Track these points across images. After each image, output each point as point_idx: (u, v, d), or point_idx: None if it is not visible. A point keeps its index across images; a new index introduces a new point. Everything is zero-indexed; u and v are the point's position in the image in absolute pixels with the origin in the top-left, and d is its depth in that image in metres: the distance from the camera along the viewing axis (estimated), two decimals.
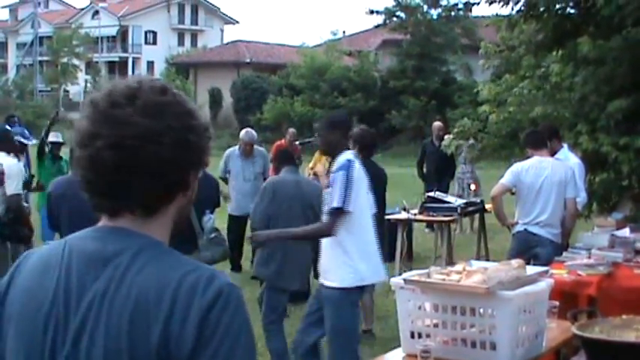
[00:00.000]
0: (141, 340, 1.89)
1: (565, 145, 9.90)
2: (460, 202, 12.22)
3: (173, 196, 2.07)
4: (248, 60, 54.52)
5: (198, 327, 1.88)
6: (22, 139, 11.83)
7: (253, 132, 13.09)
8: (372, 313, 9.45)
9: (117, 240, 2.00)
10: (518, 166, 8.95)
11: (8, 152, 9.06)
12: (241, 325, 1.93)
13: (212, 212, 7.67)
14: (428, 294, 4.80)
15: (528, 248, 8.59)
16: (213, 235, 7.54)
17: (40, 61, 74.74)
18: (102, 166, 1.95)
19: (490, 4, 12.26)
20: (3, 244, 8.79)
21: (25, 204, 9.97)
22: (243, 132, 13.10)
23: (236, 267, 12.70)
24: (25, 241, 9.09)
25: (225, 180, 12.52)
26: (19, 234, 8.73)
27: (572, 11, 11.90)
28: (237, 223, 12.46)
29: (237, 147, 12.76)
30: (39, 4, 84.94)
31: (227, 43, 67.26)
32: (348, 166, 6.43)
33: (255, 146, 12.70)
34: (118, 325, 1.90)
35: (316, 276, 9.54)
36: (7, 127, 15.12)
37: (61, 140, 13.01)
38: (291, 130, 15.41)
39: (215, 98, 53.90)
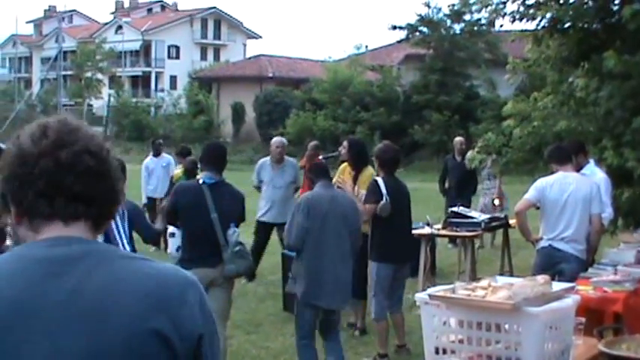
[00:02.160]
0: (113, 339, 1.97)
1: (591, 161, 9.82)
2: (484, 217, 12.17)
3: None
4: (271, 74, 54.63)
5: (194, 326, 2.09)
6: None
7: (283, 139, 13.48)
8: (404, 329, 9.39)
9: (77, 245, 2.07)
10: (542, 182, 8.88)
11: None
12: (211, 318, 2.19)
13: (237, 226, 7.68)
14: (453, 310, 4.76)
15: (553, 264, 8.51)
16: (237, 248, 7.54)
17: (64, 76, 75.17)
18: (74, 170, 2.07)
19: (513, 21, 12.24)
20: None
21: None
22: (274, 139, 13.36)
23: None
24: None
25: (259, 189, 12.65)
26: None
27: (597, 26, 11.85)
28: (264, 229, 12.73)
29: (268, 157, 12.86)
30: (63, 19, 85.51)
31: (250, 58, 67.44)
32: None
33: (286, 157, 12.82)
34: (85, 327, 1.96)
35: (355, 295, 9.55)
36: None
37: None
38: (313, 143, 15.34)
39: (238, 113, 54.02)
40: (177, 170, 13.77)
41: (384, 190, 8.78)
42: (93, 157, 2.11)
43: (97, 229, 2.16)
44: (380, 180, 8.91)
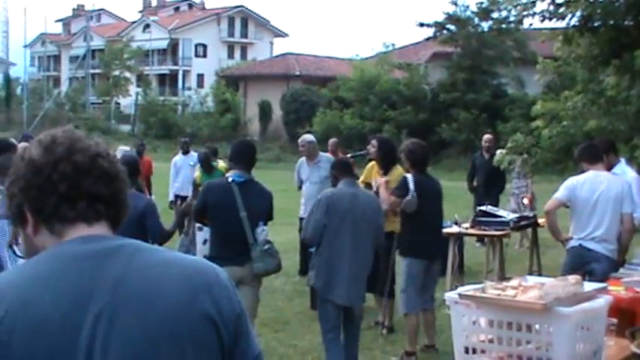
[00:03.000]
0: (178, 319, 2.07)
1: (622, 160, 9.74)
2: (512, 216, 12.09)
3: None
4: (298, 73, 54.67)
5: (231, 305, 2.22)
6: None
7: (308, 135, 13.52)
8: (434, 328, 9.34)
9: (106, 240, 2.14)
10: (572, 181, 8.81)
11: None
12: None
13: (265, 224, 7.67)
14: (483, 309, 4.74)
15: (583, 264, 8.43)
16: (266, 246, 7.54)
17: (92, 74, 75.56)
18: (94, 173, 2.15)
19: (543, 20, 12.16)
20: None
21: None
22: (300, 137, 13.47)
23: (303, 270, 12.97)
24: None
25: (300, 188, 12.73)
26: None
27: (628, 24, 11.76)
28: None
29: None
30: (91, 17, 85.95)
31: (277, 56, 67.51)
32: None
33: (321, 152, 12.81)
34: (164, 311, 2.05)
35: (382, 293, 9.48)
36: None
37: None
38: (332, 140, 15.25)
39: (265, 111, 54.08)
40: (198, 172, 13.72)
41: (411, 187, 8.75)
42: (105, 160, 2.19)
43: (114, 229, 2.23)
44: (409, 176, 8.88)
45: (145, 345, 2.01)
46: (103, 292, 2.02)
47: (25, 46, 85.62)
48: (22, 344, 1.97)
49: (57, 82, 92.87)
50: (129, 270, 2.07)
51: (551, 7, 11.86)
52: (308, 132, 16.59)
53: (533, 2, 12.24)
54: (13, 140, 11.88)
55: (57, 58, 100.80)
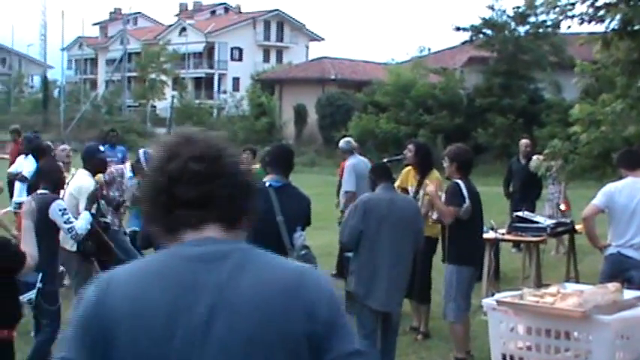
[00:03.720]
0: (271, 324, 2.14)
1: None
2: (549, 222, 12.00)
3: (243, 217, 2.34)
4: (333, 76, 54.64)
5: (327, 310, 2.29)
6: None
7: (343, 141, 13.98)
8: (469, 334, 9.25)
9: (217, 244, 2.23)
10: (611, 187, 8.72)
11: (93, 173, 9.23)
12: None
13: (303, 229, 7.65)
14: (521, 316, 4.71)
15: (621, 271, 8.33)
16: (303, 252, 7.51)
17: (129, 77, 75.98)
18: (186, 178, 2.21)
19: (582, 23, 12.07)
20: (86, 258, 8.98)
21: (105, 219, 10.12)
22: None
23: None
24: (90, 256, 9.21)
25: None
26: (92, 250, 8.86)
27: None
28: None
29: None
30: (128, 21, 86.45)
31: (312, 60, 67.51)
32: None
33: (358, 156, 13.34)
34: (249, 317, 2.12)
35: (418, 299, 9.42)
36: (106, 145, 15.48)
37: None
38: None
39: (300, 115, 54.10)
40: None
41: (465, 193, 8.69)
42: (198, 163, 2.24)
43: (231, 229, 2.29)
44: (461, 183, 8.80)
45: (239, 349, 2.09)
46: (207, 294, 2.12)
47: (63, 49, 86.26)
48: (126, 334, 2.15)
49: (94, 84, 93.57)
50: (234, 275, 2.15)
51: (591, 10, 11.76)
52: (343, 136, 16.52)
53: (572, 4, 12.14)
54: (49, 143, 11.97)
55: (94, 61, 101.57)
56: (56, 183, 8.42)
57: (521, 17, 42.90)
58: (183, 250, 2.21)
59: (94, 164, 9.37)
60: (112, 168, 11.40)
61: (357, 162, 13.29)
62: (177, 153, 2.24)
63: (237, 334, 2.09)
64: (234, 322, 2.10)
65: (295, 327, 2.14)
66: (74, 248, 8.82)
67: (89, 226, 8.52)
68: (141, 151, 11.55)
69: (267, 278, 2.17)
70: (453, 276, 8.78)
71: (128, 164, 11.60)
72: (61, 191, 8.83)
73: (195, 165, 2.21)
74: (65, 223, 7.95)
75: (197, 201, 2.21)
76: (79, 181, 9.02)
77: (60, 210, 7.90)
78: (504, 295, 4.95)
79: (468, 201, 8.67)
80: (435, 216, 9.11)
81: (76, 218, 8.54)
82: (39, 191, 8.18)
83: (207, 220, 2.24)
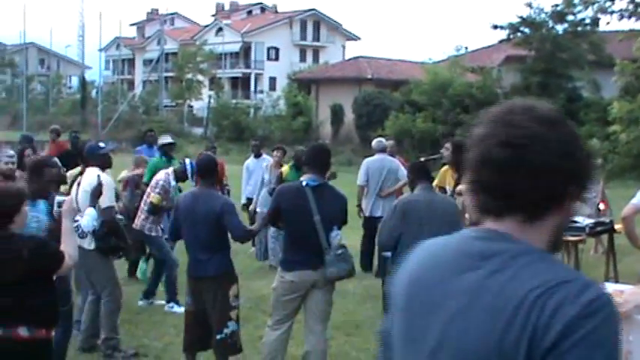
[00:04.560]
0: (495, 337, 1.98)
1: None
2: (588, 221, 11.90)
3: (550, 207, 2.14)
4: (370, 76, 54.58)
5: (559, 332, 1.90)
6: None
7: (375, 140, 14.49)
8: None
9: (496, 242, 2.12)
10: None
11: (102, 168, 9.24)
12: (604, 339, 1.91)
13: (339, 228, 7.64)
14: None
15: None
16: (340, 251, 7.51)
17: (166, 77, 76.36)
18: (490, 163, 2.11)
19: (621, 18, 11.96)
20: (105, 255, 8.98)
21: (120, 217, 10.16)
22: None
23: (368, 266, 13.64)
24: (115, 252, 9.24)
25: None
26: (109, 244, 8.88)
27: None
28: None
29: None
30: (165, 21, 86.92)
31: (349, 59, 67.47)
32: None
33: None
34: (486, 322, 2.01)
35: None
36: (144, 145, 15.53)
37: (171, 140, 13.64)
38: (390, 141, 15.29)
39: (337, 114, 54.11)
40: (287, 167, 13.84)
41: None
42: (504, 150, 2.12)
43: (532, 222, 2.13)
44: None
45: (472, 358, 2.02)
46: (461, 292, 2.10)
47: (100, 50, 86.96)
48: (401, 302, 2.28)
49: (131, 85, 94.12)
50: (490, 279, 2.06)
51: (631, 6, 11.66)
52: (379, 135, 16.53)
53: (612, 1, 12.04)
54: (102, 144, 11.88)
55: (131, 62, 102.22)
56: (58, 181, 8.48)
57: (559, 15, 42.64)
58: (463, 241, 2.22)
59: (100, 161, 9.35)
60: (160, 179, 11.33)
61: (374, 160, 13.91)
62: (486, 135, 2.17)
63: (474, 343, 2.02)
64: (473, 331, 2.04)
65: (513, 345, 1.96)
66: (92, 246, 8.83)
67: (95, 223, 8.54)
68: (187, 160, 11.62)
69: (516, 287, 2.00)
70: None
71: (171, 170, 11.64)
72: (61, 187, 8.86)
73: (500, 151, 2.10)
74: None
75: (497, 190, 2.12)
76: (93, 178, 9.02)
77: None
78: None
79: None
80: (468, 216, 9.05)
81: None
82: None
83: (505, 210, 2.14)
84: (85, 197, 8.85)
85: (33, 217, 7.12)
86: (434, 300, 2.15)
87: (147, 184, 11.77)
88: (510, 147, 2.08)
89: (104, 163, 9.38)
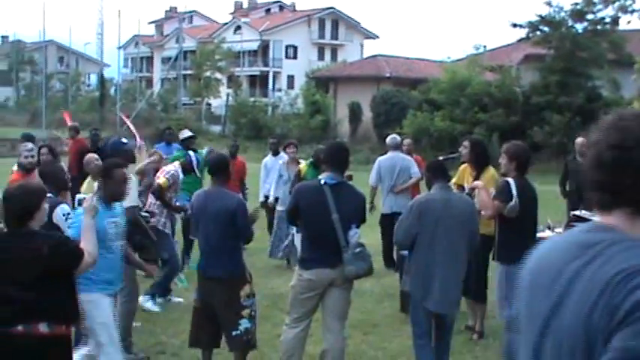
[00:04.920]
0: (584, 316, 2.24)
1: None
2: None
3: None
4: (388, 74, 54.54)
5: (627, 310, 2.15)
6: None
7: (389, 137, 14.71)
8: None
9: (599, 233, 2.38)
10: None
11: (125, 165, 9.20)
12: None
13: (358, 227, 7.62)
14: None
15: None
16: (358, 249, 7.50)
17: (184, 75, 76.49)
18: (600, 164, 2.38)
19: None
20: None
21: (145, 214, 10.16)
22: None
23: (390, 263, 13.64)
24: (139, 248, 9.25)
25: None
26: (138, 244, 8.88)
27: None
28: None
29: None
30: (184, 19, 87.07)
31: (367, 58, 67.45)
32: None
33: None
34: (579, 302, 2.27)
35: (474, 297, 9.36)
36: (162, 143, 15.58)
37: (191, 134, 13.79)
38: (407, 140, 15.35)
39: (355, 112, 54.07)
40: (304, 165, 13.86)
41: (514, 191, 8.61)
42: (613, 151, 2.38)
43: (638, 215, 2.38)
44: (511, 181, 8.72)
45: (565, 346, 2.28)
46: (565, 278, 2.36)
47: (119, 48, 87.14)
48: (524, 288, 2.61)
49: (149, 82, 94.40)
50: (587, 266, 2.31)
51: None
52: (398, 134, 16.51)
53: None
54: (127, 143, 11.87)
55: (149, 60, 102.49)
56: (59, 185, 8.45)
57: (579, 14, 42.45)
58: (572, 234, 2.51)
59: (123, 157, 9.27)
60: (171, 169, 11.44)
61: (386, 158, 14.01)
62: (599, 139, 2.41)
63: (569, 330, 2.28)
64: (567, 320, 2.30)
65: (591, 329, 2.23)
66: None
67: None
68: (191, 153, 11.65)
69: (605, 278, 2.24)
70: (502, 276, 8.69)
71: (177, 163, 11.66)
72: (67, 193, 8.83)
73: (609, 153, 2.36)
74: (69, 227, 7.98)
75: (607, 187, 2.39)
76: None
77: (64, 214, 7.94)
78: None
79: (515, 199, 8.57)
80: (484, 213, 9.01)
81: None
82: None
83: (614, 205, 2.39)
84: None
85: (111, 222, 7.11)
86: (547, 284, 2.41)
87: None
88: (618, 149, 2.35)
89: (127, 159, 9.34)
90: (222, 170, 8.25)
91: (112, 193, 7.28)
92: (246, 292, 8.02)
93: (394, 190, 13.74)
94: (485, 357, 9.23)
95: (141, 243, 8.95)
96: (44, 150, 12.42)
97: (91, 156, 11.03)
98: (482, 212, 8.97)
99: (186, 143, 13.79)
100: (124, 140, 9.98)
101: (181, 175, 11.39)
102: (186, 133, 14.17)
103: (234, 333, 7.96)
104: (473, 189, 9.58)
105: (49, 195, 7.94)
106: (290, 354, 7.90)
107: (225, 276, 7.87)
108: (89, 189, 10.34)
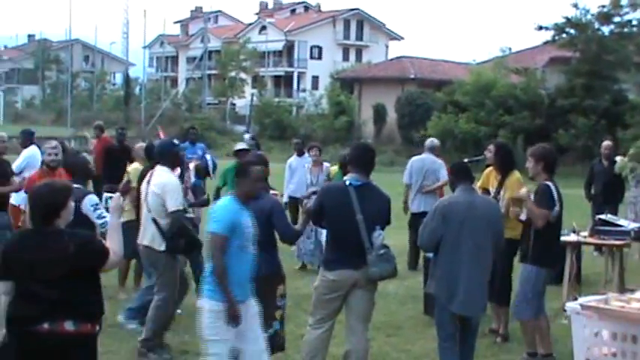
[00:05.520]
0: None
1: None
2: (633, 225, 11.76)
3: None
4: (412, 76, 54.48)
5: None
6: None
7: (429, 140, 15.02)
8: (549, 335, 9.07)
9: None
10: None
11: (172, 167, 9.15)
12: None
13: (382, 228, 7.60)
14: (606, 321, 4.61)
15: None
16: (382, 251, 7.46)
17: (209, 75, 76.69)
18: None
19: None
20: (172, 256, 8.98)
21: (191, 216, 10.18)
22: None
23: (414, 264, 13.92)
24: (186, 252, 9.26)
25: None
26: (180, 248, 8.87)
27: None
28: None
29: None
30: (209, 19, 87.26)
31: (392, 59, 67.41)
32: None
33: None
34: None
35: (498, 301, 9.33)
36: (186, 142, 15.62)
37: (245, 147, 13.60)
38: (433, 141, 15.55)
39: (379, 114, 54.08)
40: (336, 167, 13.97)
41: (556, 196, 8.58)
42: None
43: None
44: (551, 185, 8.67)
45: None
46: None
47: (144, 47, 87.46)
48: None
49: (174, 82, 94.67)
50: None
51: None
52: (422, 136, 16.59)
53: None
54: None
55: (174, 59, 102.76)
56: (86, 177, 8.48)
57: (605, 16, 42.30)
58: None
59: (170, 160, 9.21)
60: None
61: (418, 159, 14.45)
62: None
63: None
64: None
65: None
66: (162, 247, 8.83)
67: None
68: (208, 156, 11.62)
69: None
70: (531, 275, 8.63)
71: (192, 165, 11.65)
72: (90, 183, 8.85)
73: None
74: (98, 218, 7.97)
75: None
76: (161, 179, 8.86)
77: (92, 205, 7.93)
78: (588, 300, 4.85)
79: (558, 204, 8.55)
80: (523, 216, 8.95)
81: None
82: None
83: None
84: (154, 199, 8.80)
85: (247, 222, 6.95)
86: None
87: (220, 188, 11.88)
88: None
89: (175, 162, 9.29)
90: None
91: (247, 192, 7.05)
92: (280, 291, 8.03)
93: (422, 190, 13.96)
94: None
95: (185, 246, 8.92)
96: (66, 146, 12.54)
97: (141, 145, 11.16)
98: (522, 216, 8.95)
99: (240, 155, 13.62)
100: (175, 141, 9.94)
101: (193, 179, 11.35)
102: (240, 145, 13.91)
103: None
104: (499, 193, 9.54)
105: (76, 186, 8.03)
106: (313, 355, 7.89)
107: (264, 273, 7.85)
108: (135, 174, 10.46)
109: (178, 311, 10.69)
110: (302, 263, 14.46)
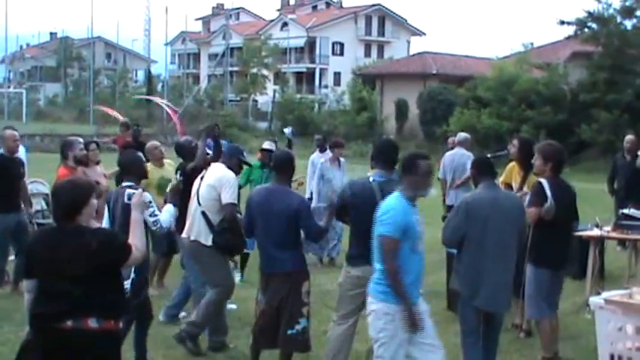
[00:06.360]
0: None
1: None
2: None
3: None
4: (434, 71, 54.35)
5: None
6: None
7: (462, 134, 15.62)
8: (557, 336, 9.02)
9: None
10: None
11: (236, 173, 9.22)
12: None
13: None
14: (630, 316, 4.62)
15: None
16: None
17: (231, 72, 76.77)
18: None
19: None
20: (219, 252, 8.98)
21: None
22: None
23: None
24: (235, 250, 9.28)
25: None
26: (228, 243, 8.87)
27: None
28: None
29: None
30: (230, 16, 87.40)
31: (413, 55, 67.26)
32: None
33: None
34: None
35: (521, 296, 9.33)
36: (211, 140, 15.63)
37: (270, 148, 13.59)
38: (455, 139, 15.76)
39: (401, 109, 54.03)
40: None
41: (548, 193, 8.50)
42: None
43: None
44: (545, 182, 8.61)
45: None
46: None
47: (166, 44, 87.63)
48: None
49: (196, 79, 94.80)
50: None
51: None
52: (445, 132, 16.70)
53: None
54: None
55: (196, 56, 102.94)
56: (140, 175, 8.53)
57: (628, 10, 42.09)
58: None
59: (233, 164, 9.21)
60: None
61: (449, 154, 15.03)
62: None
63: None
64: None
65: None
66: (209, 242, 8.85)
67: (172, 219, 8.55)
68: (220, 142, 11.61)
69: None
70: (531, 276, 8.62)
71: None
72: (143, 182, 8.87)
73: None
74: (150, 215, 8.00)
75: None
76: (219, 173, 8.93)
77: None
78: (612, 294, 4.85)
79: (550, 200, 8.45)
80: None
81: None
82: (124, 184, 8.32)
83: None
84: (208, 190, 8.87)
85: (417, 219, 6.79)
86: None
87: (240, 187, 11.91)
88: None
89: (239, 164, 9.31)
90: (287, 168, 8.27)
91: (416, 188, 6.77)
92: (306, 288, 8.06)
93: (453, 185, 14.45)
94: (533, 355, 9.16)
95: (231, 242, 8.90)
96: (92, 146, 12.57)
97: (155, 142, 11.18)
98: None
99: (264, 155, 13.65)
100: (240, 147, 10.03)
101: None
102: (266, 145, 14.10)
103: (289, 332, 7.97)
104: (522, 188, 9.53)
105: (129, 184, 8.12)
106: (337, 351, 7.91)
107: (290, 270, 7.89)
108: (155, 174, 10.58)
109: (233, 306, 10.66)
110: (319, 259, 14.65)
